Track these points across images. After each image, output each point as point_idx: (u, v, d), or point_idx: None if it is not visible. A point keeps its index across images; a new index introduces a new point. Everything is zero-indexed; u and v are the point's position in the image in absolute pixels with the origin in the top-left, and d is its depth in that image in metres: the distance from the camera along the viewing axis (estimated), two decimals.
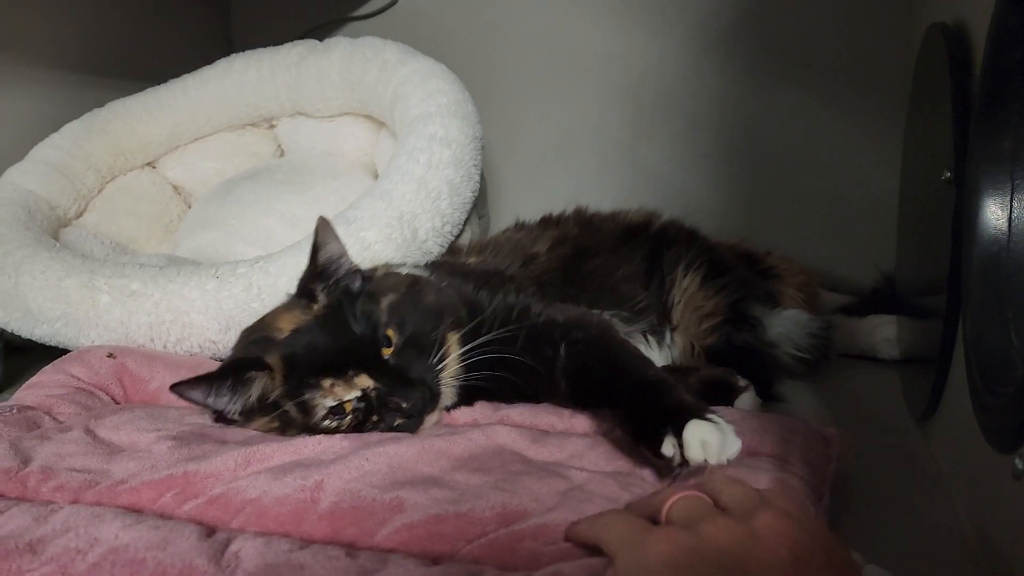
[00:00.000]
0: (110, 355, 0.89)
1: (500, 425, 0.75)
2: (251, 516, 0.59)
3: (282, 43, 1.33)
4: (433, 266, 0.95)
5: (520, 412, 0.79)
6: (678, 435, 0.61)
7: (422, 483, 0.61)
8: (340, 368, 0.72)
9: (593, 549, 0.53)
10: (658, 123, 1.52)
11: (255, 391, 0.73)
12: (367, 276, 0.81)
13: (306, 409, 0.72)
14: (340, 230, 0.93)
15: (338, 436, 0.70)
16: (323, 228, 0.78)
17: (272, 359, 0.73)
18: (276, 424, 0.75)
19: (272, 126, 1.38)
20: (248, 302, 0.91)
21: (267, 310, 0.91)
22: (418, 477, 0.63)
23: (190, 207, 1.37)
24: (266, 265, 0.93)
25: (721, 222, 1.30)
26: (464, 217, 1.07)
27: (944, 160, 0.81)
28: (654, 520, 0.52)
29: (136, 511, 0.60)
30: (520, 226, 1.14)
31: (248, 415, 0.76)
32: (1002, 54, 0.69)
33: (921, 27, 1.01)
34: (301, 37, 1.37)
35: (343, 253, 0.79)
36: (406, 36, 1.28)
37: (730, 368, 0.92)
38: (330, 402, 0.72)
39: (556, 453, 0.69)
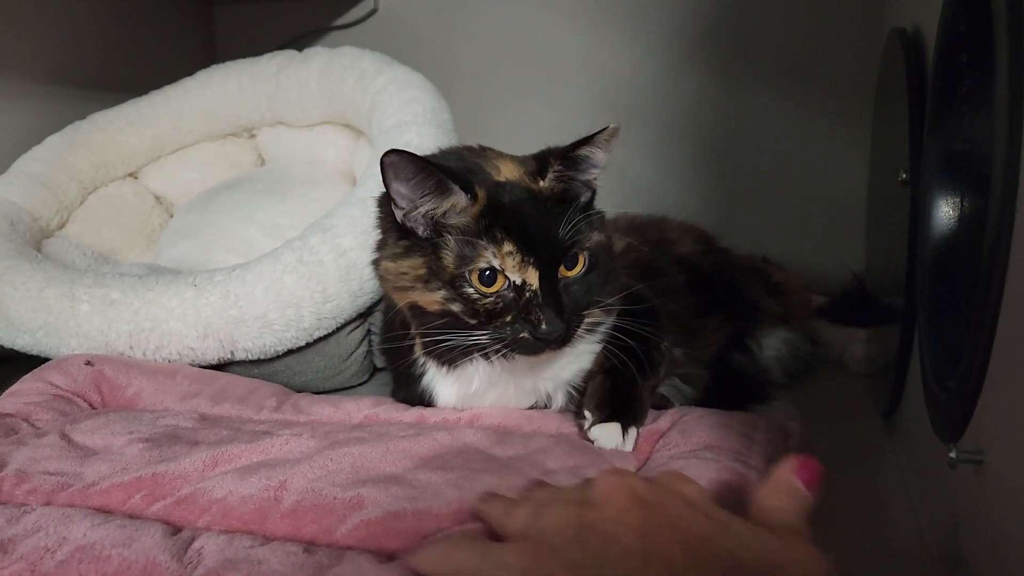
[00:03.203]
0: (88, 363, 0.91)
1: (467, 427, 0.76)
2: (217, 515, 0.60)
3: (265, 53, 1.35)
4: None
5: (490, 414, 0.81)
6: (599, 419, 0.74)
7: (383, 481, 0.63)
8: (527, 248, 0.70)
9: None
10: (634, 128, 1.54)
11: (446, 206, 0.71)
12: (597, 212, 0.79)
13: (466, 259, 0.70)
14: (316, 238, 0.96)
15: (305, 436, 0.71)
16: (611, 133, 0.73)
17: (480, 192, 0.71)
18: (423, 271, 0.72)
19: (252, 136, 1.40)
20: (226, 309, 0.92)
21: (244, 317, 0.93)
22: (380, 476, 0.64)
23: (172, 217, 1.39)
24: (243, 273, 0.94)
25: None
26: None
27: (903, 161, 0.83)
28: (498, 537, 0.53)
29: (106, 512, 0.62)
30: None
31: (410, 245, 0.73)
32: (950, 57, 0.71)
33: (884, 33, 1.03)
34: (283, 47, 1.39)
35: (599, 165, 0.76)
36: (386, 45, 1.30)
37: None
38: (496, 263, 0.70)
39: (520, 450, 0.70)
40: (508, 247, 0.70)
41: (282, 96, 1.30)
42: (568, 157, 0.73)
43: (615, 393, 0.76)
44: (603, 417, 0.74)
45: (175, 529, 0.59)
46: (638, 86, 1.54)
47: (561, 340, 0.71)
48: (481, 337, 0.72)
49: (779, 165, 1.47)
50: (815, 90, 1.43)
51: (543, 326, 0.69)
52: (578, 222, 0.72)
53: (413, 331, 0.80)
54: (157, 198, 1.39)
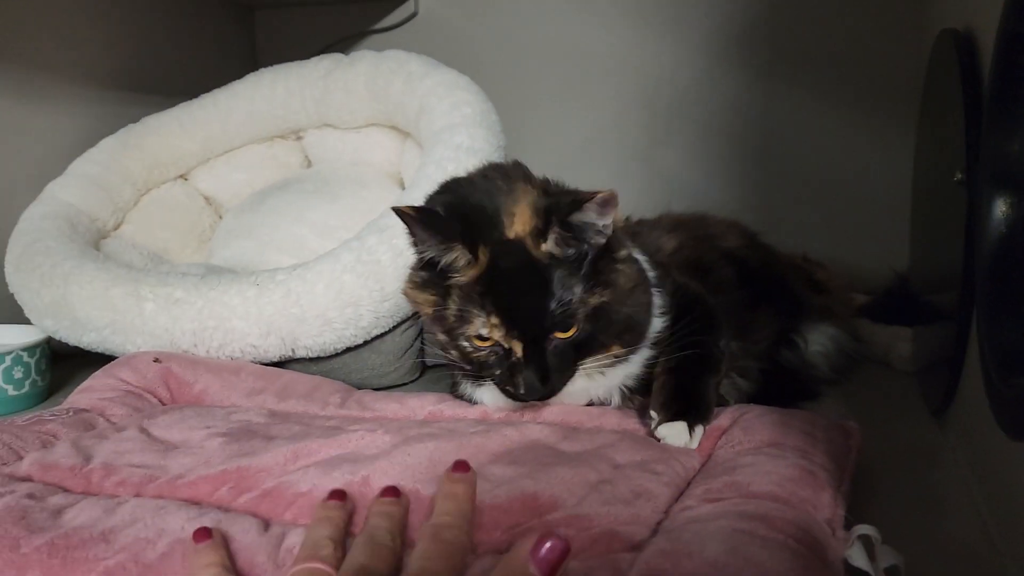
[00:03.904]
0: (156, 360, 0.93)
1: (533, 423, 0.78)
2: (303, 508, 0.62)
3: (305, 57, 1.37)
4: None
5: (551, 411, 0.82)
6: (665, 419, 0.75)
7: None
8: (513, 322, 0.73)
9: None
10: (674, 128, 1.56)
11: (450, 258, 0.73)
12: (608, 243, 0.77)
13: (462, 318, 0.74)
14: (373, 238, 0.98)
15: (379, 432, 0.73)
16: (604, 200, 0.72)
17: (482, 255, 0.73)
18: (430, 311, 0.77)
19: (299, 138, 1.42)
20: (287, 308, 0.95)
21: (305, 315, 0.95)
22: None
23: (220, 218, 1.42)
24: (304, 272, 0.97)
25: None
26: None
27: (956, 162, 0.84)
28: None
29: (196, 504, 0.64)
30: (640, 221, 1.13)
31: (426, 279, 0.77)
32: (1009, 59, 0.72)
33: (932, 33, 1.04)
34: (324, 51, 1.41)
35: (601, 225, 0.74)
36: (426, 47, 1.32)
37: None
38: (484, 332, 0.73)
39: (587, 445, 0.72)
40: (495, 319, 0.73)
41: (329, 98, 1.32)
42: (565, 223, 0.73)
43: (679, 392, 0.78)
44: (669, 416, 0.75)
45: (265, 523, 0.61)
46: (678, 86, 1.55)
47: (545, 395, 0.76)
48: (495, 379, 0.76)
49: (819, 165, 1.47)
50: (857, 90, 1.43)
51: (521, 390, 0.74)
52: (571, 292, 0.73)
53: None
54: (207, 199, 1.42)
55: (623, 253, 0.79)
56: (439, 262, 0.74)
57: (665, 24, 1.54)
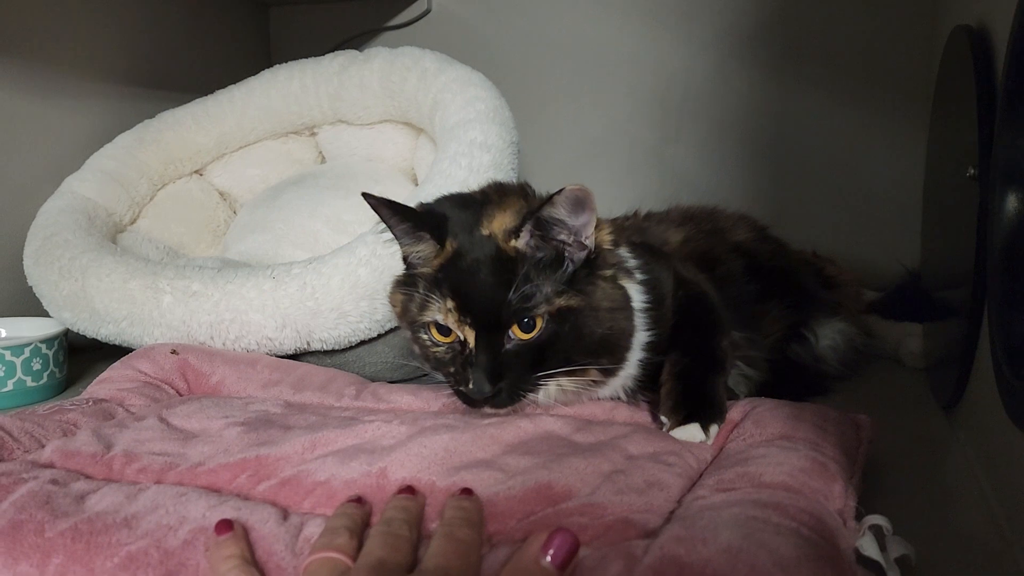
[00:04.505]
0: (173, 351, 0.95)
1: (546, 415, 0.79)
2: (321, 498, 0.63)
3: (319, 54, 1.39)
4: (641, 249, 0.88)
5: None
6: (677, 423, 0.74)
7: (476, 467, 0.65)
8: (465, 307, 0.72)
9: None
10: (686, 125, 1.56)
11: (417, 250, 0.76)
12: (592, 255, 0.76)
13: (423, 307, 0.74)
14: (388, 233, 0.99)
15: (395, 422, 0.74)
16: (569, 196, 0.71)
17: (450, 244, 0.74)
18: (398, 309, 0.79)
19: (313, 134, 1.44)
20: (303, 301, 0.96)
21: (321, 308, 0.97)
22: (473, 461, 0.67)
23: (235, 212, 1.43)
24: (319, 266, 0.98)
25: None
26: None
27: (969, 157, 0.84)
28: None
29: (215, 491, 0.65)
30: (649, 214, 1.13)
31: (400, 279, 0.80)
32: (1023, 55, 0.72)
33: (945, 30, 1.04)
34: (338, 48, 1.42)
35: (575, 227, 0.73)
36: (439, 44, 1.33)
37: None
38: (439, 318, 0.73)
39: (600, 436, 0.73)
40: (450, 303, 0.73)
41: (344, 95, 1.33)
42: (536, 218, 0.72)
43: (688, 395, 0.77)
44: (680, 420, 0.75)
45: (283, 512, 0.62)
46: (690, 83, 1.55)
47: (499, 403, 0.74)
48: (451, 377, 0.76)
49: (831, 161, 1.48)
50: (869, 86, 1.43)
51: (469, 385, 0.73)
52: (535, 287, 0.72)
53: None
54: (221, 194, 1.43)
55: (608, 273, 0.78)
56: (408, 256, 0.77)
57: (677, 21, 1.55)
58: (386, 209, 0.75)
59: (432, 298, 0.74)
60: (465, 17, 1.67)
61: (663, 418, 0.77)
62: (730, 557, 0.48)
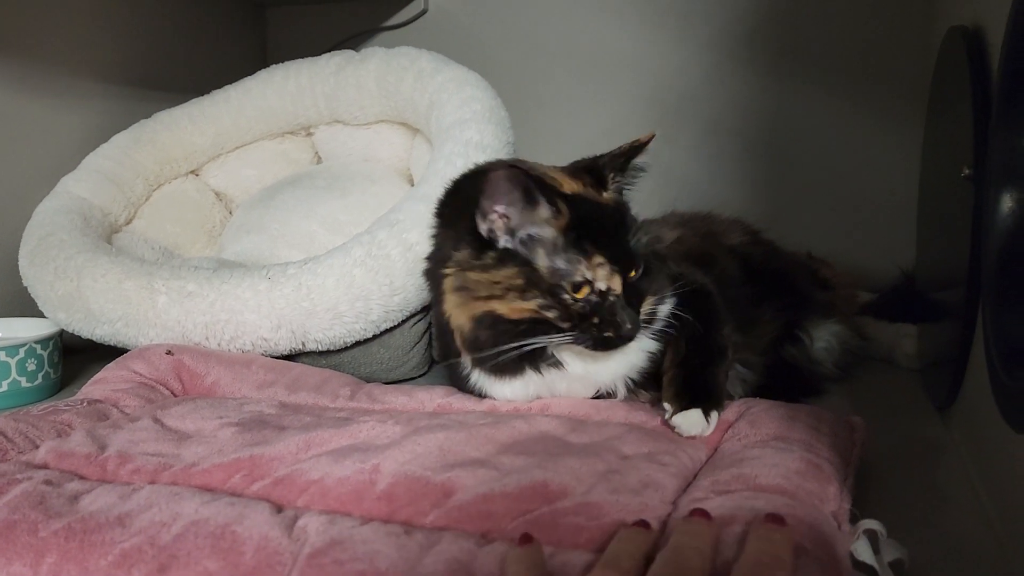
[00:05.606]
0: (168, 352, 0.95)
1: (541, 415, 0.79)
2: (315, 496, 0.63)
3: (316, 54, 1.38)
4: None
5: (559, 404, 0.83)
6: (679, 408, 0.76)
7: (470, 465, 0.65)
8: (614, 259, 0.76)
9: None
10: (682, 126, 1.56)
11: (533, 218, 0.76)
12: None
13: (559, 271, 0.76)
14: (383, 233, 0.99)
15: (389, 422, 0.74)
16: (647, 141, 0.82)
17: (562, 205, 0.76)
18: (519, 281, 0.77)
19: (310, 134, 1.43)
20: (298, 301, 0.96)
21: (316, 309, 0.96)
22: (467, 460, 0.67)
23: (231, 213, 1.43)
24: (315, 266, 0.98)
25: None
26: None
27: (963, 157, 0.85)
28: None
29: (209, 490, 0.65)
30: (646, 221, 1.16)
31: (498, 256, 0.78)
32: (1018, 55, 0.72)
33: (940, 30, 1.04)
34: (334, 48, 1.42)
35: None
36: (436, 45, 1.33)
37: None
38: (588, 275, 0.76)
39: (595, 437, 0.73)
40: (598, 259, 0.76)
41: (340, 95, 1.33)
42: (623, 168, 0.80)
43: (689, 382, 0.79)
44: (683, 405, 0.76)
45: (277, 508, 0.62)
46: (686, 85, 1.56)
47: (633, 334, 0.78)
48: (565, 338, 0.77)
49: (826, 162, 1.48)
50: (865, 87, 1.44)
51: (627, 326, 0.76)
52: (638, 229, 0.79)
53: (460, 342, 0.83)
54: (217, 194, 1.43)
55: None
56: (519, 226, 0.76)
57: (673, 22, 1.55)
58: (507, 180, 0.74)
59: (573, 257, 0.76)
60: (461, 17, 1.68)
61: (665, 404, 0.78)
62: None
